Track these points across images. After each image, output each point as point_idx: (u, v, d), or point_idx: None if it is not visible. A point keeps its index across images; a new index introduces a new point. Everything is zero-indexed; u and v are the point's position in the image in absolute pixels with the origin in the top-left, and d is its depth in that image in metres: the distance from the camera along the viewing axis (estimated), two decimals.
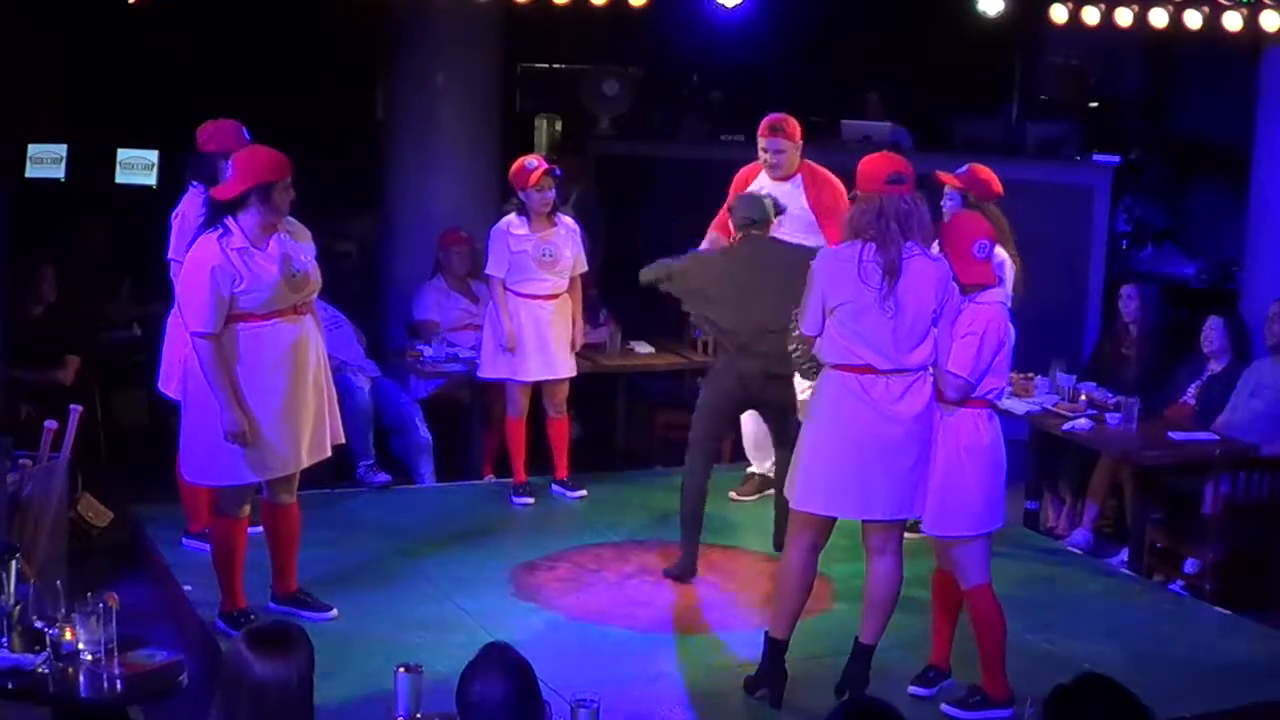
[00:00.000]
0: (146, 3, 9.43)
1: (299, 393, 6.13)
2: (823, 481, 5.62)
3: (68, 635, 4.93)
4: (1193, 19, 9.04)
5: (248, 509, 6.31)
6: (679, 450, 7.93)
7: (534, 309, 8.00)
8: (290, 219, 6.15)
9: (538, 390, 8.16)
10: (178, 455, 6.35)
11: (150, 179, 10.56)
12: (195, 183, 6.90)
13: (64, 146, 10.63)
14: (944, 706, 5.81)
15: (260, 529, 6.43)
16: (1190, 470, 7.66)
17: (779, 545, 6.71)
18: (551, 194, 7.99)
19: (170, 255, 6.91)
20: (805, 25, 11.11)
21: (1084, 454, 8.23)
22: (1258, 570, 7.45)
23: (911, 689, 5.91)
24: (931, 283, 5.53)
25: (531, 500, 8.15)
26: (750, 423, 7.86)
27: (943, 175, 7.25)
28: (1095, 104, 12.52)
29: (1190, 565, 7.63)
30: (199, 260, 5.95)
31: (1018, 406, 8.05)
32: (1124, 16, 9.43)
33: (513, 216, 8.02)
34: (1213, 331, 8.35)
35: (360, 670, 5.80)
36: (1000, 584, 5.81)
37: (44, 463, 6.65)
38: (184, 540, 7.26)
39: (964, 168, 7.26)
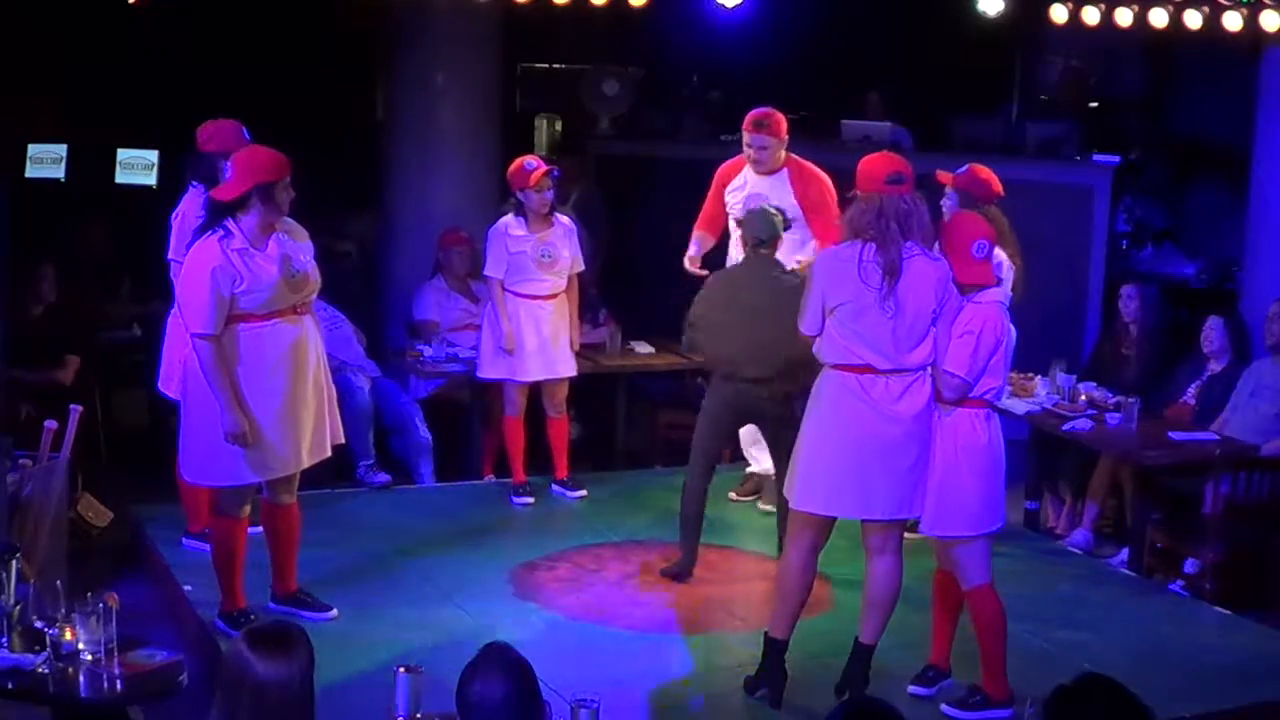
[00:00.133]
0: (146, 3, 9.43)
1: (299, 393, 6.13)
2: (822, 481, 5.63)
3: (68, 635, 4.93)
4: (1193, 19, 9.04)
5: (248, 509, 6.31)
6: (679, 450, 7.95)
7: (533, 309, 8.00)
8: (287, 219, 6.15)
9: (537, 390, 8.16)
10: (178, 455, 6.35)
11: (150, 179, 10.56)
12: (195, 183, 6.91)
13: (64, 146, 10.63)
14: (944, 707, 5.81)
15: (260, 529, 6.43)
16: (1190, 470, 7.65)
17: (783, 548, 6.71)
18: (550, 194, 8.00)
19: (170, 255, 6.91)
20: (805, 25, 11.10)
21: (1084, 454, 8.22)
22: (1258, 570, 7.45)
23: (911, 689, 5.91)
24: (931, 283, 5.53)
25: (531, 500, 8.15)
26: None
27: (942, 175, 7.26)
28: (1095, 104, 12.52)
29: (1190, 565, 7.62)
30: (199, 261, 5.95)
31: (1018, 406, 8.06)
32: (1124, 16, 9.44)
33: (510, 217, 8.02)
34: (1213, 331, 8.35)
35: (360, 670, 5.80)
36: (1000, 584, 5.80)
37: (44, 463, 6.65)
38: (184, 540, 7.26)
39: (964, 168, 7.26)
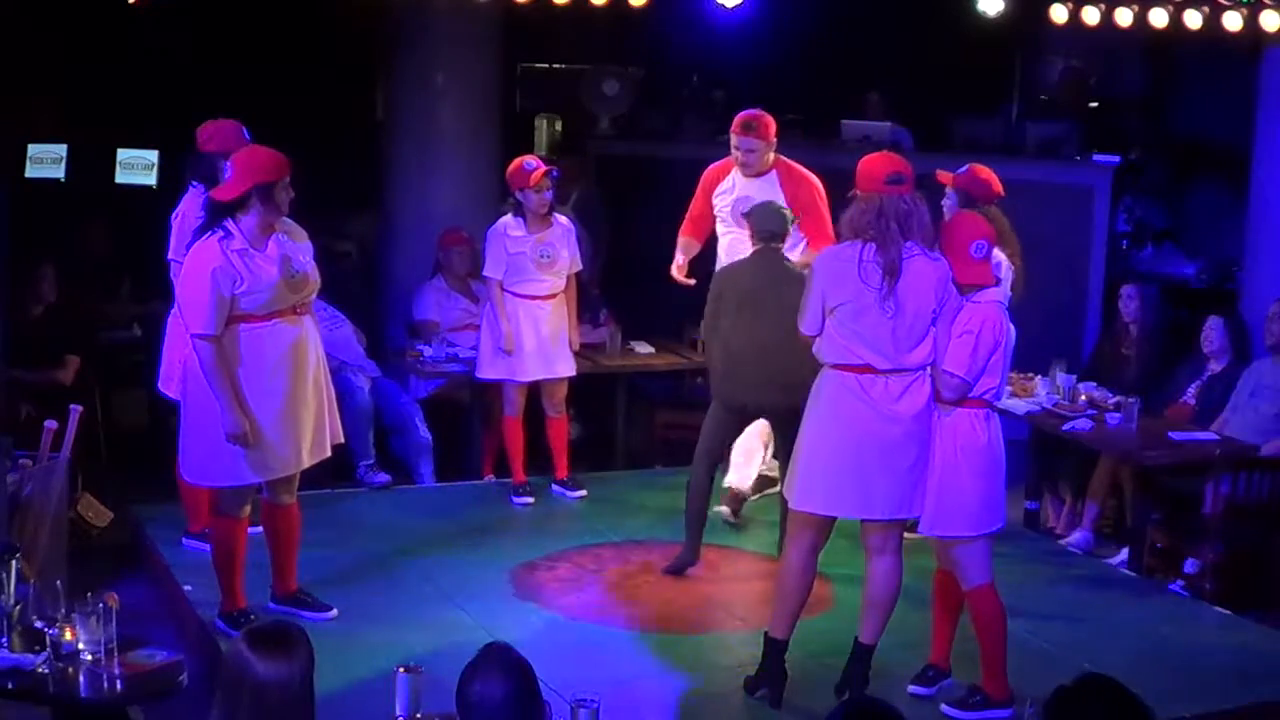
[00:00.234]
0: (146, 3, 9.43)
1: (299, 393, 6.13)
2: (822, 481, 5.63)
3: (68, 635, 4.93)
4: (1193, 19, 9.04)
5: (248, 509, 6.32)
6: (679, 450, 7.96)
7: (532, 309, 8.01)
8: (286, 219, 6.15)
9: (536, 390, 8.16)
10: (178, 455, 6.35)
11: (150, 179, 10.55)
12: (195, 183, 6.91)
13: (64, 146, 10.62)
14: (944, 707, 5.81)
15: (260, 529, 6.43)
16: (1190, 470, 7.65)
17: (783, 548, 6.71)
18: (550, 195, 8.00)
19: (170, 255, 6.91)
20: (805, 25, 11.10)
21: (1084, 454, 8.22)
22: (1258, 570, 7.45)
23: (911, 688, 5.91)
24: (931, 283, 5.53)
25: (531, 500, 8.15)
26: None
27: (942, 175, 7.26)
28: (1095, 104, 12.52)
29: (1190, 565, 7.62)
30: (199, 262, 5.95)
31: (1018, 406, 8.05)
32: (1124, 16, 9.43)
33: (509, 218, 8.02)
34: (1213, 331, 8.35)
35: (360, 670, 5.80)
36: (1000, 584, 5.80)
37: (44, 463, 6.64)
38: (184, 540, 7.26)
39: (964, 168, 7.27)
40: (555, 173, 8.10)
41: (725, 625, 6.78)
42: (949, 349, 5.56)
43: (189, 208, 6.79)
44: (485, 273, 8.10)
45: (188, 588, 6.75)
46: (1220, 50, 9.76)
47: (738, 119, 7.62)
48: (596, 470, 8.90)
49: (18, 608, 5.10)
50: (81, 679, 4.87)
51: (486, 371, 8.17)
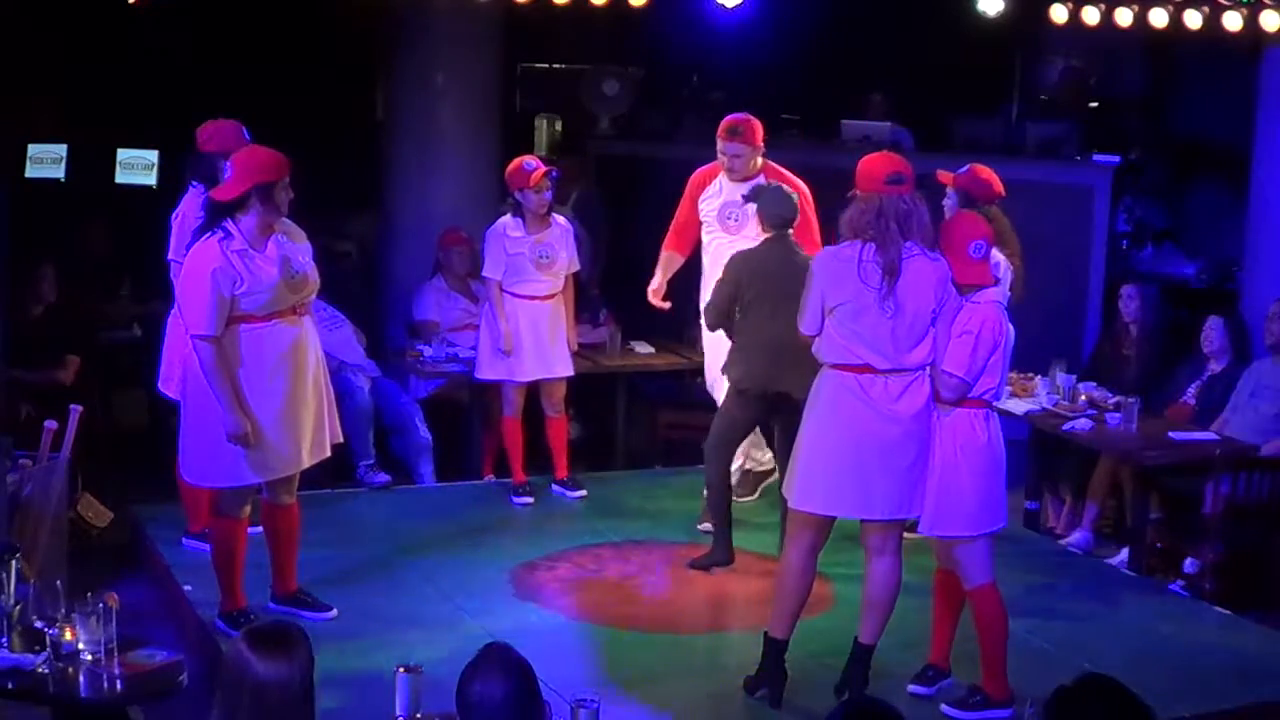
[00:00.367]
0: (146, 3, 9.43)
1: (299, 393, 6.13)
2: (821, 481, 5.63)
3: (68, 635, 4.93)
4: (1193, 19, 9.05)
5: (248, 509, 6.32)
6: (679, 450, 7.96)
7: (531, 309, 8.00)
8: (285, 220, 6.15)
9: (535, 390, 8.16)
10: (178, 456, 6.35)
11: (150, 179, 10.55)
12: (195, 183, 6.91)
13: (64, 146, 10.62)
14: (944, 707, 5.81)
15: (260, 529, 6.43)
16: (1190, 470, 7.65)
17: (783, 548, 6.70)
18: (549, 195, 8.00)
19: (170, 256, 6.91)
20: (805, 25, 11.10)
21: (1084, 454, 8.22)
22: (1258, 570, 7.45)
23: (911, 688, 5.91)
24: (931, 283, 5.53)
25: (531, 500, 8.15)
26: None
27: (943, 175, 7.26)
28: (1095, 104, 12.52)
29: (1190, 565, 7.63)
30: (199, 263, 5.95)
31: (1018, 406, 8.06)
32: (1124, 16, 9.44)
33: (508, 218, 8.01)
34: (1213, 331, 8.35)
35: (360, 670, 5.80)
36: (1000, 584, 5.80)
37: (44, 463, 6.65)
38: (184, 540, 7.26)
39: (965, 168, 7.27)
40: (555, 173, 8.10)
41: (725, 625, 6.78)
42: (948, 349, 5.56)
43: (189, 208, 6.79)
44: (485, 273, 8.10)
45: (188, 588, 6.75)
46: (1220, 50, 9.76)
47: (724, 123, 7.58)
48: (596, 470, 8.90)
49: (18, 608, 5.10)
50: (81, 679, 4.87)
51: (485, 372, 8.17)
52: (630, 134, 11.48)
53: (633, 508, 8.15)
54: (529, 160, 8.03)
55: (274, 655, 3.48)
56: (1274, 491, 7.45)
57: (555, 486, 8.29)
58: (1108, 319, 9.42)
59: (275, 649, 3.49)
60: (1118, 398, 8.07)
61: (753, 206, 7.19)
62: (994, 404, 5.70)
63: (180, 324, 6.35)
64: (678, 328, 9.32)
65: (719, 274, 7.31)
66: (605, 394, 9.32)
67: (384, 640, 6.17)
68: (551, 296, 8.06)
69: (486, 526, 7.80)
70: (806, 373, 5.91)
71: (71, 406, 6.74)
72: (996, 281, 5.81)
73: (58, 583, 5.19)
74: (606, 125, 11.55)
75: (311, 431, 6.22)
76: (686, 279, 7.85)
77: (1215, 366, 8.35)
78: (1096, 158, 10.34)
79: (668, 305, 7.94)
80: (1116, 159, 10.32)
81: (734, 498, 7.95)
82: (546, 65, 12.77)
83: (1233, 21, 8.86)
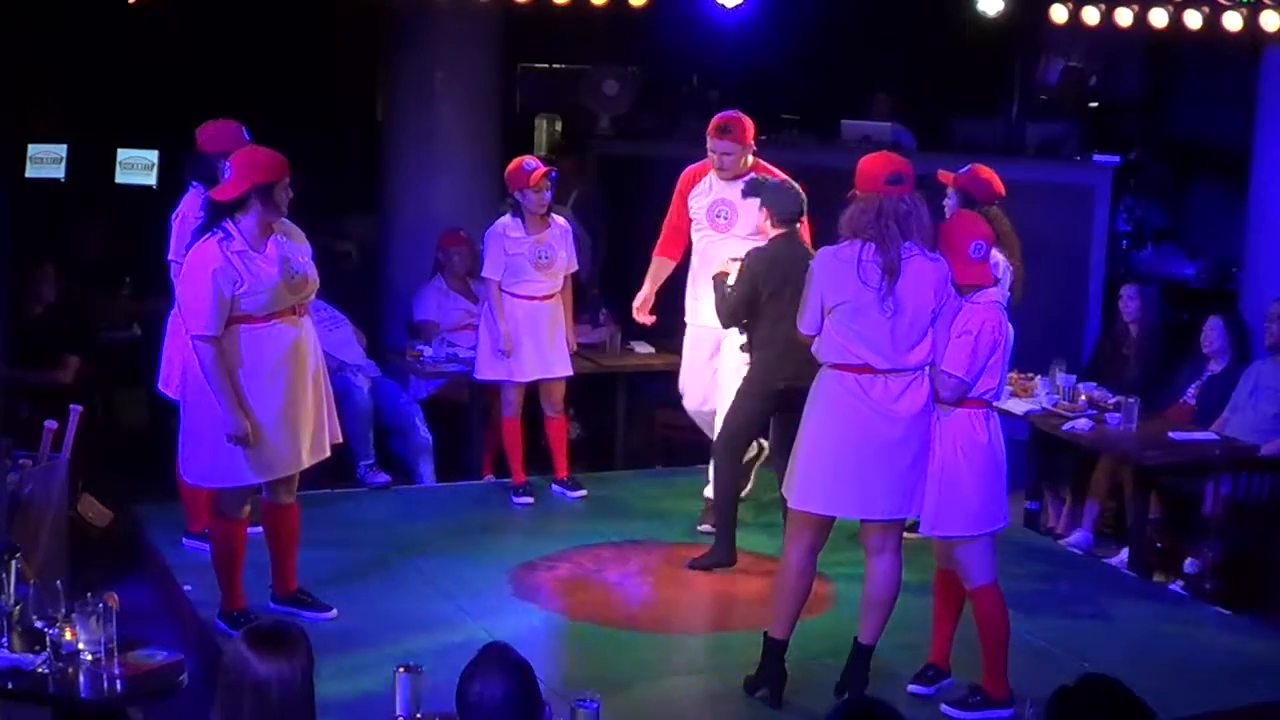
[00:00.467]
0: (146, 2, 9.42)
1: (299, 394, 6.13)
2: (821, 481, 5.62)
3: (68, 635, 4.93)
4: (1193, 19, 9.04)
5: (248, 510, 6.32)
6: (679, 450, 7.96)
7: (530, 309, 8.00)
8: (285, 220, 6.15)
9: (535, 390, 8.16)
10: (178, 456, 6.35)
11: (150, 179, 10.56)
12: (195, 183, 6.91)
13: (64, 146, 10.62)
14: (944, 707, 5.81)
15: (260, 529, 6.43)
16: (1190, 470, 7.66)
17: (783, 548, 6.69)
18: (549, 195, 8.00)
19: (170, 256, 6.91)
20: (805, 25, 11.10)
21: (1084, 454, 8.22)
22: (1258, 570, 7.46)
23: (911, 687, 5.91)
24: (931, 282, 5.53)
25: (531, 500, 8.15)
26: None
27: (943, 175, 7.26)
28: (1095, 104, 12.52)
29: (1190, 565, 7.64)
30: (199, 263, 5.95)
31: (1018, 406, 8.05)
32: (1124, 16, 9.43)
33: (508, 218, 8.02)
34: (1213, 331, 8.35)
35: (360, 670, 5.80)
36: (1000, 584, 5.80)
37: (44, 463, 6.65)
38: (184, 540, 7.26)
39: (965, 168, 7.26)
40: (554, 174, 8.10)
41: (725, 625, 6.78)
42: (948, 349, 5.56)
43: (189, 208, 6.78)
44: (484, 273, 8.10)
45: (188, 588, 6.75)
46: (1220, 50, 9.75)
47: (714, 121, 7.55)
48: (596, 470, 8.91)
49: (18, 608, 5.11)
50: (81, 679, 4.87)
51: (484, 372, 8.16)
52: (630, 134, 11.48)
53: (633, 508, 8.15)
54: (528, 160, 8.03)
55: (274, 655, 3.48)
56: (1274, 491, 7.45)
57: (555, 486, 8.29)
58: (1108, 319, 9.41)
59: (275, 649, 3.50)
60: (1118, 398, 8.07)
61: (747, 204, 7.19)
62: (994, 404, 5.70)
63: (180, 324, 6.35)
64: (678, 328, 9.31)
65: (708, 273, 7.32)
66: (605, 394, 9.32)
67: (384, 640, 6.17)
68: (550, 297, 8.06)
69: (486, 526, 7.80)
70: (803, 380, 5.91)
71: (71, 406, 6.75)
72: (996, 281, 5.81)
73: (58, 583, 5.19)
74: (606, 125, 11.55)
75: (311, 432, 6.22)
76: (680, 280, 7.84)
77: (1215, 366, 8.35)
78: (1096, 158, 10.33)
79: (653, 319, 7.93)
80: (1116, 159, 10.31)
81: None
82: (546, 65, 12.77)
83: (1233, 21, 8.85)
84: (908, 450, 5.59)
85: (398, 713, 4.82)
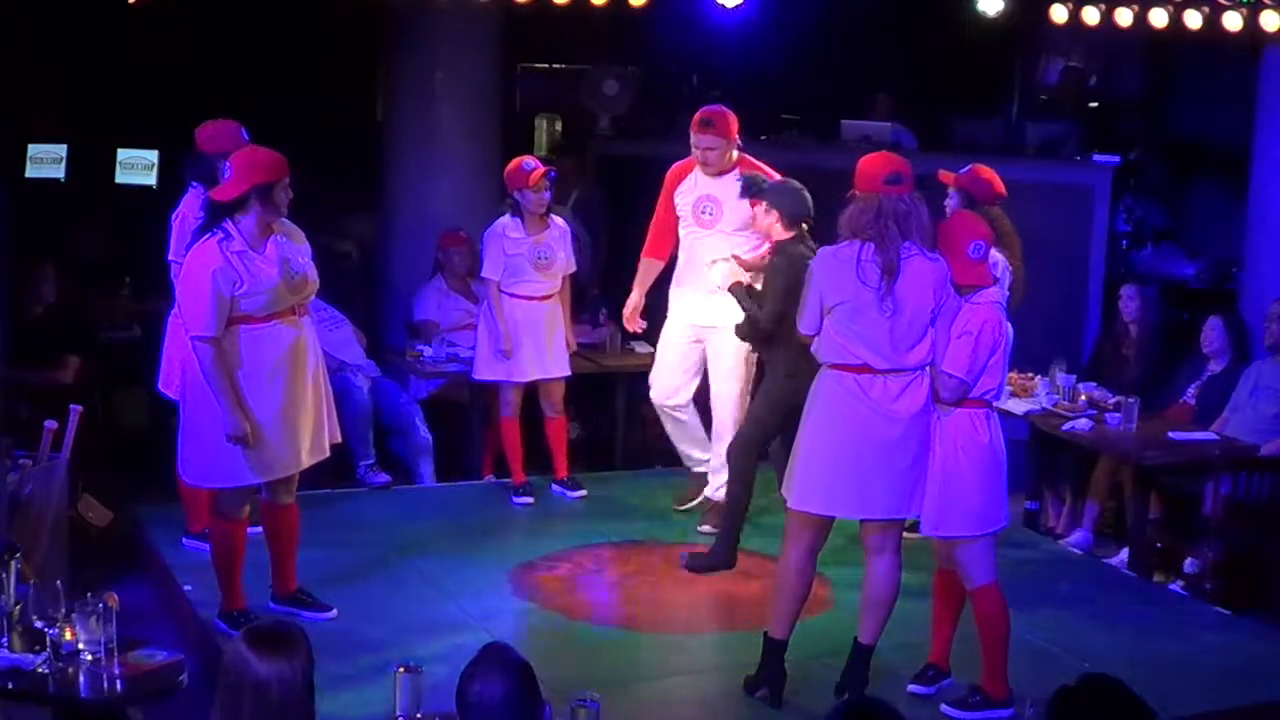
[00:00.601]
0: (146, 3, 9.43)
1: (299, 394, 6.13)
2: (820, 481, 5.62)
3: (68, 635, 4.93)
4: (1193, 19, 9.04)
5: (247, 510, 6.32)
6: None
7: (529, 310, 8.00)
8: (285, 220, 6.15)
9: (534, 390, 8.16)
10: (177, 456, 6.34)
11: (150, 179, 10.56)
12: (195, 183, 6.90)
13: (64, 146, 10.63)
14: (943, 707, 5.81)
15: (260, 529, 6.43)
16: (1190, 470, 7.66)
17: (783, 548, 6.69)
18: (548, 195, 8.00)
19: (170, 256, 6.90)
20: (805, 26, 11.10)
21: (1084, 454, 8.22)
22: (1258, 570, 7.46)
23: (911, 687, 5.91)
24: (930, 282, 5.53)
25: (531, 500, 8.14)
26: (685, 425, 7.78)
27: (944, 175, 7.26)
28: (1095, 104, 12.52)
29: (1190, 565, 7.64)
30: (199, 264, 5.95)
31: (1018, 406, 8.05)
32: (1124, 16, 9.43)
33: (507, 218, 8.01)
34: (1213, 331, 8.35)
35: (360, 670, 5.80)
36: (1000, 584, 5.80)
37: (44, 463, 6.65)
38: (184, 540, 7.26)
39: (966, 168, 7.26)
40: (553, 173, 8.10)
41: (725, 625, 6.78)
42: (948, 350, 5.56)
43: (189, 208, 6.78)
44: (484, 274, 8.09)
45: (188, 588, 6.75)
46: (1220, 50, 9.75)
47: (697, 116, 7.48)
48: (596, 470, 8.90)
49: (18, 608, 5.11)
50: (81, 679, 4.87)
51: (483, 372, 8.16)
52: (630, 134, 11.48)
53: (633, 508, 8.14)
54: (528, 160, 8.03)
55: (274, 655, 3.48)
56: (1274, 491, 7.45)
57: (555, 486, 8.29)
58: (1108, 319, 9.42)
59: (275, 649, 3.50)
60: (1118, 398, 8.07)
61: (732, 200, 7.18)
62: (994, 404, 5.70)
63: (180, 324, 6.35)
64: None
65: (693, 270, 7.30)
66: (605, 394, 9.32)
67: (384, 640, 6.17)
68: (549, 297, 8.06)
69: (486, 526, 7.80)
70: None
71: (71, 406, 6.75)
72: (995, 281, 5.81)
73: (58, 583, 5.19)
74: (606, 125, 11.55)
75: (311, 432, 6.22)
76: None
77: (1215, 366, 8.35)
78: (1096, 158, 10.34)
79: (644, 325, 7.92)
80: (1116, 159, 10.32)
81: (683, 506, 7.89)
82: (546, 65, 12.77)
83: (1233, 21, 8.86)
84: (907, 450, 5.59)
85: (398, 713, 4.83)
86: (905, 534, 5.82)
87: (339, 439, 6.50)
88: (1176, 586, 7.56)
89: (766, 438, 7.08)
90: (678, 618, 6.80)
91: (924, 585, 6.02)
